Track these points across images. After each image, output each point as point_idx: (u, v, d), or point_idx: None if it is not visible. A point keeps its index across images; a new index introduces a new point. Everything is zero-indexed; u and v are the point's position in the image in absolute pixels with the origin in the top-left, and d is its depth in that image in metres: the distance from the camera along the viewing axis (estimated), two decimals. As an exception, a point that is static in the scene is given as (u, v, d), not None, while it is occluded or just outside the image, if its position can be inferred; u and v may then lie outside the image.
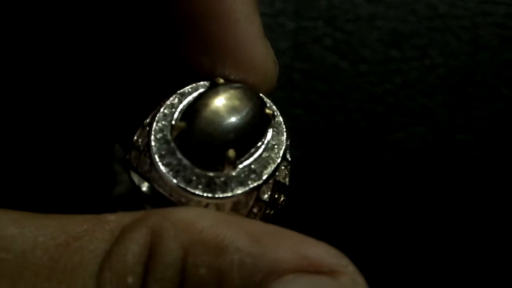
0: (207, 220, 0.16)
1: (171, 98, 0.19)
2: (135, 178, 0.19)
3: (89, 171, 0.23)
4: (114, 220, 0.17)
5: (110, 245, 0.16)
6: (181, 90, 0.20)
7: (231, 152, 0.18)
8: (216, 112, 0.18)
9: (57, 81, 0.22)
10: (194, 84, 0.20)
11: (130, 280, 0.16)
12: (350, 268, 0.16)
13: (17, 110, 0.22)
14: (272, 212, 0.20)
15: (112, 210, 0.26)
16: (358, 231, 0.33)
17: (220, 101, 0.19)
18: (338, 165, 0.32)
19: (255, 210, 0.19)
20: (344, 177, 0.32)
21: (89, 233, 0.16)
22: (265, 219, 0.19)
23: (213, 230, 0.16)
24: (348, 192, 0.32)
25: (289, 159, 0.20)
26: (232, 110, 0.18)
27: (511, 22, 0.33)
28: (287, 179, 0.20)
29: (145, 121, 0.20)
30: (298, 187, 0.32)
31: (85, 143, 0.23)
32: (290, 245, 0.16)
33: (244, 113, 0.19)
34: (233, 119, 0.18)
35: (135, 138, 0.19)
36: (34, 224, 0.16)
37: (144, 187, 0.19)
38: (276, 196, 0.20)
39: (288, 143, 0.20)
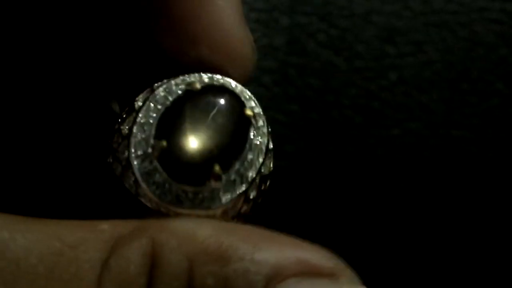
0: (206, 230, 0.16)
1: (146, 104, 0.19)
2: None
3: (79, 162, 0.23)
4: (108, 229, 0.16)
5: (106, 255, 0.16)
6: (155, 93, 0.19)
7: (217, 168, 0.18)
8: (196, 128, 0.18)
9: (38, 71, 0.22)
10: (166, 84, 0.19)
11: None
12: (348, 270, 0.16)
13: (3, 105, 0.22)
14: (259, 200, 0.20)
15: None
16: (353, 227, 0.32)
17: (199, 115, 0.18)
18: (333, 161, 0.32)
19: (243, 209, 0.19)
20: (339, 173, 0.32)
21: (84, 242, 0.16)
22: (254, 207, 0.19)
23: (215, 240, 0.16)
24: (343, 188, 0.32)
25: (271, 147, 0.20)
26: (213, 123, 0.18)
27: (507, 18, 0.33)
28: (271, 167, 0.20)
29: (121, 128, 0.19)
30: (293, 183, 0.32)
31: (66, 132, 0.23)
32: (290, 250, 0.16)
33: (224, 124, 0.18)
34: (214, 133, 0.18)
35: (114, 144, 0.19)
36: (26, 229, 0.16)
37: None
38: (263, 187, 0.19)
39: (269, 135, 0.19)
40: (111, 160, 0.19)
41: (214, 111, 0.18)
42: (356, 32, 0.33)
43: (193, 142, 0.18)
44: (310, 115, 0.32)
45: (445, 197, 0.32)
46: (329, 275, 0.16)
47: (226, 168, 0.18)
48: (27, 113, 0.22)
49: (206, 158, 0.18)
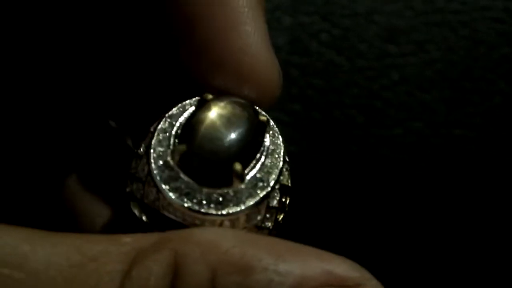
0: (229, 240, 0.16)
1: (161, 123, 0.19)
2: (136, 210, 0.19)
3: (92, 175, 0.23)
4: (130, 242, 0.16)
5: (127, 268, 0.16)
6: (170, 113, 0.19)
7: (238, 166, 0.18)
8: (214, 128, 0.18)
9: (58, 85, 0.22)
10: (180, 104, 0.20)
11: None
12: (374, 281, 0.16)
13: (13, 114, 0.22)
14: (281, 217, 0.20)
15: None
16: (357, 226, 0.33)
17: (215, 117, 0.18)
18: (335, 161, 0.32)
19: (267, 216, 0.19)
20: (341, 173, 0.32)
21: (105, 255, 0.16)
22: (276, 225, 0.19)
23: (238, 250, 0.16)
24: (346, 187, 0.32)
25: (287, 159, 0.20)
26: (229, 123, 0.18)
27: (509, 17, 0.33)
28: (289, 181, 0.20)
29: (138, 151, 0.19)
30: (295, 183, 0.32)
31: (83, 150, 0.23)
32: (315, 261, 0.16)
33: (241, 124, 0.18)
34: (232, 132, 0.18)
35: (133, 170, 0.19)
36: (46, 242, 0.16)
37: (144, 217, 0.19)
38: (283, 199, 0.20)
39: (284, 147, 0.20)
40: (129, 189, 0.19)
41: (229, 114, 0.18)
42: (358, 32, 0.33)
43: (212, 143, 0.18)
44: (312, 114, 0.32)
45: (446, 195, 0.33)
46: (354, 286, 0.16)
47: (246, 167, 0.18)
48: (30, 125, 0.22)
49: (226, 157, 0.18)
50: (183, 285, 0.15)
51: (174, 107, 0.19)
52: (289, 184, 0.20)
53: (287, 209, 0.20)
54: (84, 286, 0.15)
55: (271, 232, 0.19)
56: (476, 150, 0.33)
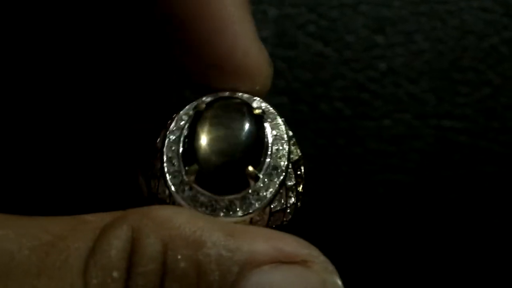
0: (183, 217, 0.17)
1: (166, 143, 0.20)
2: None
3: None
4: (94, 220, 0.17)
5: (92, 244, 0.17)
6: (169, 129, 0.20)
7: (249, 169, 0.19)
8: (217, 140, 0.19)
9: (57, 84, 0.23)
10: (176, 117, 0.20)
11: (115, 274, 0.16)
12: (321, 257, 0.17)
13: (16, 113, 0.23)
14: (301, 187, 0.20)
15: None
16: (343, 220, 0.32)
17: (214, 128, 0.19)
18: (322, 154, 0.32)
19: (290, 194, 0.20)
20: (328, 166, 0.32)
21: (73, 233, 0.17)
22: (298, 196, 0.20)
23: (190, 226, 0.17)
24: (333, 181, 0.32)
25: (291, 133, 0.21)
26: (229, 130, 0.19)
27: (498, 6, 0.33)
28: (298, 150, 0.21)
29: (152, 170, 0.20)
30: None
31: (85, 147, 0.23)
32: (263, 239, 0.17)
33: (240, 126, 0.19)
34: (235, 139, 0.19)
35: (156, 191, 0.20)
36: (15, 225, 0.17)
37: None
38: (299, 172, 0.20)
39: (285, 124, 0.20)
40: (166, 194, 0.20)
41: (226, 121, 0.19)
42: (345, 23, 0.33)
43: (219, 156, 0.19)
44: (299, 107, 0.32)
45: (436, 187, 0.32)
46: (302, 262, 0.17)
47: (257, 165, 0.19)
48: (38, 115, 0.23)
49: (238, 164, 0.19)
50: (139, 258, 0.16)
51: (170, 120, 0.20)
52: (299, 154, 0.21)
53: (304, 176, 0.21)
54: (56, 263, 0.16)
55: (296, 206, 0.20)
56: (465, 141, 0.32)
